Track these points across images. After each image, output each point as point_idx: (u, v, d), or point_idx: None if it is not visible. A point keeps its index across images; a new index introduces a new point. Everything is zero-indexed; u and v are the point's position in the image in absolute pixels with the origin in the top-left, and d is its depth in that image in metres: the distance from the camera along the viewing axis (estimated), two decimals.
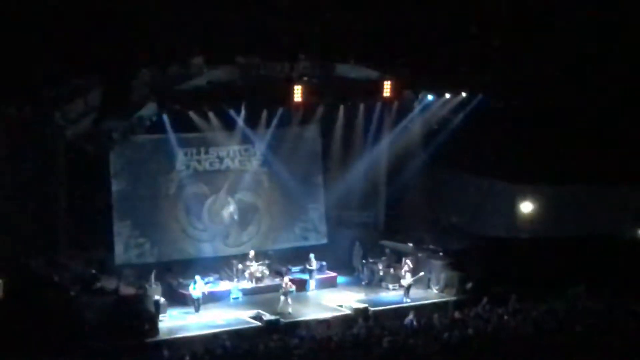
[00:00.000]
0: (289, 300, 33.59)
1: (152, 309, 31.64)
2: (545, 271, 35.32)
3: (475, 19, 37.86)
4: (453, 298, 34.85)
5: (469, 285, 35.04)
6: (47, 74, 32.50)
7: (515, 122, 38.02)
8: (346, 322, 32.26)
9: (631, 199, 38.79)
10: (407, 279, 35.08)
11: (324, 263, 37.29)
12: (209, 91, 34.31)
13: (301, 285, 35.79)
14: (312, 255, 36.62)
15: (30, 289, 30.87)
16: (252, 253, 36.35)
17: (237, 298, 34.89)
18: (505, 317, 30.93)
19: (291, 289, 33.84)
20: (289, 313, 33.22)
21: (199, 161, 37.30)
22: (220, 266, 36.40)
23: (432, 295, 35.65)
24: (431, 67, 36.75)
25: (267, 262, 36.37)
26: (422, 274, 35.58)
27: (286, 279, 34.46)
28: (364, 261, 37.49)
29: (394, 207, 40.04)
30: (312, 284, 36.42)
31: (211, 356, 27.87)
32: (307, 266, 36.54)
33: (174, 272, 35.27)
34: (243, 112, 35.86)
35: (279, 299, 33.68)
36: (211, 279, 34.99)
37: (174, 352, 28.73)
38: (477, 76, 37.52)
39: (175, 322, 32.27)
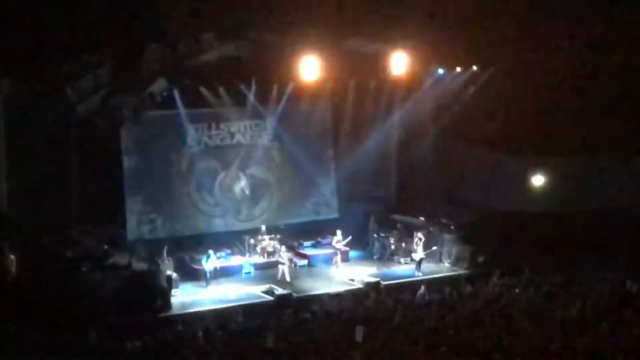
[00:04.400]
0: (286, 272, 33.84)
1: (165, 284, 31.72)
2: (557, 245, 35.30)
3: None
4: (465, 272, 34.83)
5: (481, 259, 35.01)
6: (57, 49, 32.46)
7: (526, 95, 37.94)
8: (358, 296, 32.28)
9: None
10: (419, 253, 35.05)
11: None
12: (220, 66, 34.28)
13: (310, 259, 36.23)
14: (339, 231, 36.29)
15: (43, 265, 31.02)
16: (263, 228, 36.40)
17: (249, 273, 34.94)
18: (517, 291, 30.95)
19: (286, 262, 34.10)
20: (289, 283, 33.43)
21: (209, 136, 37.33)
22: (232, 241, 36.46)
23: (443, 269, 35.62)
24: (442, 40, 36.58)
25: (278, 236, 36.41)
26: (434, 247, 35.55)
27: (283, 248, 34.76)
28: (375, 235, 37.48)
29: (406, 181, 40.05)
30: (338, 259, 36.24)
31: (224, 331, 27.99)
32: (335, 243, 36.24)
33: (186, 248, 35.37)
34: (254, 87, 35.87)
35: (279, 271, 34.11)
36: (223, 254, 35.08)
37: (187, 327, 28.86)
38: (488, 49, 37.36)
39: (188, 297, 32.34)
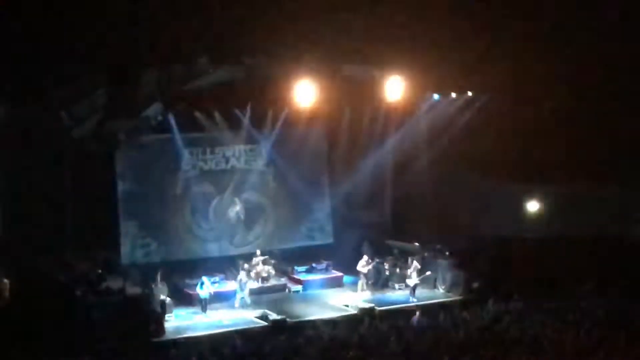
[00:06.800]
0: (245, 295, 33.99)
1: (158, 308, 31.65)
2: (552, 271, 35.27)
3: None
4: (459, 298, 34.77)
5: (475, 285, 34.97)
6: (53, 74, 32.49)
7: (521, 121, 38.00)
8: (352, 322, 32.19)
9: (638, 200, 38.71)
10: (414, 279, 35.01)
11: (330, 262, 37.30)
12: (215, 91, 34.35)
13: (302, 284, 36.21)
14: (365, 256, 36.17)
15: (37, 289, 30.92)
16: (258, 253, 36.35)
17: (243, 298, 34.87)
18: (511, 317, 30.89)
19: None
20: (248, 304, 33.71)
21: (204, 161, 37.35)
22: (227, 266, 36.41)
23: (438, 294, 35.57)
24: (437, 66, 36.68)
25: (273, 261, 36.36)
26: (428, 273, 35.49)
27: (242, 273, 34.61)
28: (370, 260, 37.41)
29: (400, 206, 40.02)
30: (363, 285, 35.99)
31: (218, 356, 27.88)
32: (360, 268, 36.06)
33: (180, 272, 35.28)
34: (249, 112, 35.94)
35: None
36: (217, 279, 34.99)
37: (181, 352, 28.75)
38: (483, 76, 37.44)
39: (182, 322, 32.27)
